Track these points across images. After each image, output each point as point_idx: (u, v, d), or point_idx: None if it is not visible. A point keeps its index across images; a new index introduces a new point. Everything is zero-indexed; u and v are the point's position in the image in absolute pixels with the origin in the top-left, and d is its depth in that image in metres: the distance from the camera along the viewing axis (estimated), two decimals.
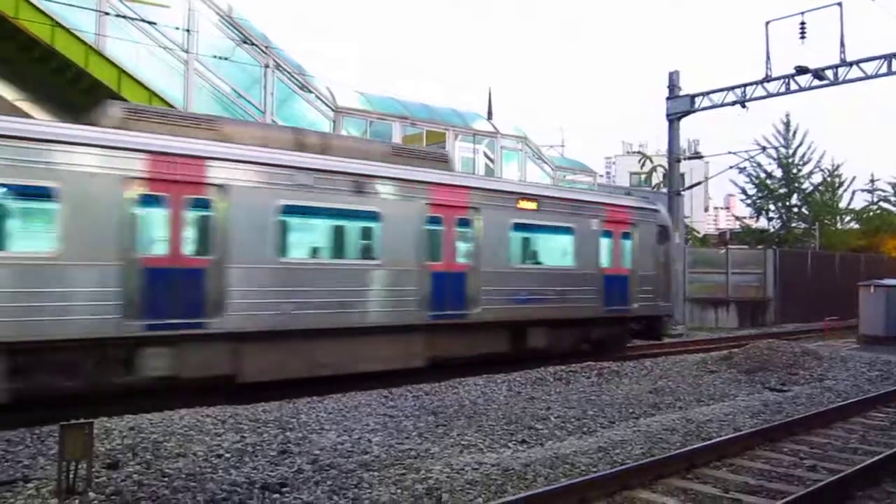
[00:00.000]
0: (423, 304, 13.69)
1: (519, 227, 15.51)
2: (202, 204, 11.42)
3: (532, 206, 15.71)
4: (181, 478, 6.93)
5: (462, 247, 14.60)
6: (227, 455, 7.81)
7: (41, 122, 10.16)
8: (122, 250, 10.53)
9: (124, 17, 17.80)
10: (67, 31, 17.59)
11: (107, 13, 18.03)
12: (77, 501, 6.16)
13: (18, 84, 19.18)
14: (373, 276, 13.18)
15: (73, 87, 18.78)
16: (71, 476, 6.33)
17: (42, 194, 10.02)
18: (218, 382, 11.47)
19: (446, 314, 14.00)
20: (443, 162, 15.33)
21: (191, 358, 11.16)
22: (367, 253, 13.36)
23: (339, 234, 13.32)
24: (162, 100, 18.84)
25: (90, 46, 18.00)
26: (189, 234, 11.43)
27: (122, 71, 18.35)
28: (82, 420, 6.65)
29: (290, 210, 12.26)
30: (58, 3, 16.69)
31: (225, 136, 12.09)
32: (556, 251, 16.74)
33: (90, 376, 10.29)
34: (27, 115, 17.62)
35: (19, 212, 10.22)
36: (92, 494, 6.31)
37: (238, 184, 11.65)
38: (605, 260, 17.16)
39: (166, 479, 6.89)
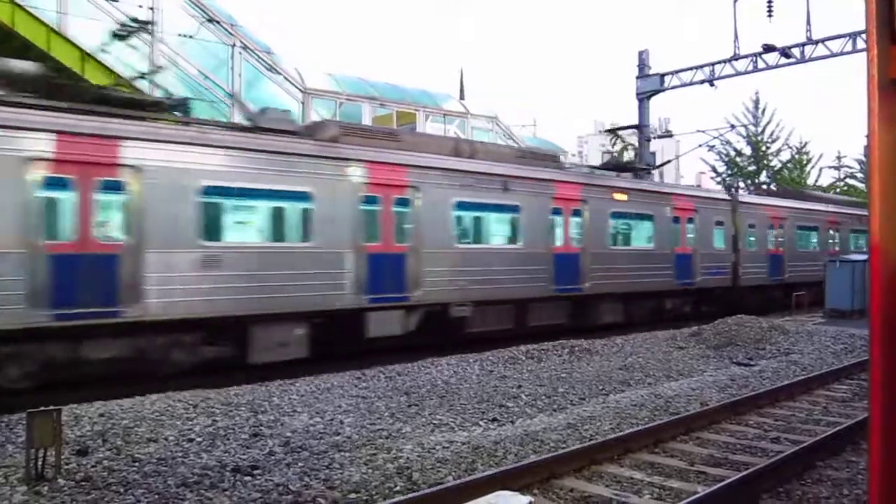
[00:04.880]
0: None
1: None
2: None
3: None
4: (152, 462, 6.93)
5: None
6: (199, 439, 7.82)
7: None
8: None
9: None
10: (28, 12, 17.23)
11: None
12: (46, 488, 6.13)
13: None
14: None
15: None
16: (40, 463, 6.31)
17: None
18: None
19: None
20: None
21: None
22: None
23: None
24: (127, 82, 18.53)
25: (51, 28, 17.65)
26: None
27: (84, 52, 18.03)
28: (51, 407, 6.61)
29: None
30: None
31: None
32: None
33: None
34: None
35: None
36: (61, 481, 6.29)
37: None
38: None
39: (137, 464, 6.89)
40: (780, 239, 25.56)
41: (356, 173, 13.59)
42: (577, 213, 17.62)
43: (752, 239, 24.18)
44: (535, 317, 16.67)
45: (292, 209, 12.91)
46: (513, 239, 16.47)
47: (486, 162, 16.09)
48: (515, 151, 19.59)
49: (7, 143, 9.85)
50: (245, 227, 12.70)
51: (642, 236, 20.15)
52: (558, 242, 17.27)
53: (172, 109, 12.93)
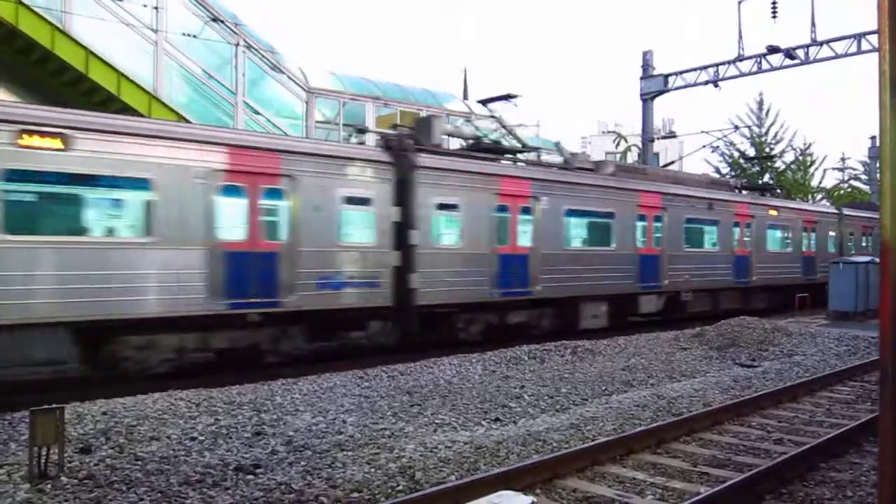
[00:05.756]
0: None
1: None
2: None
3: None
4: (154, 461, 6.93)
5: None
6: (201, 438, 7.81)
7: None
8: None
9: None
10: (32, 10, 17.21)
11: None
12: (49, 486, 6.14)
13: None
14: None
15: (40, 68, 18.45)
16: (43, 461, 6.31)
17: None
18: None
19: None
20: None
21: None
22: None
23: None
24: (131, 81, 18.55)
25: (56, 27, 17.64)
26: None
27: (89, 52, 18.02)
28: (53, 405, 6.62)
29: None
30: None
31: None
32: None
33: None
34: None
35: None
36: (64, 479, 6.29)
37: None
38: None
39: (139, 462, 6.89)
40: (869, 244, 32.14)
41: (634, 199, 19.33)
42: (748, 225, 23.73)
43: (850, 244, 30.52)
44: (723, 301, 22.46)
45: (604, 224, 18.65)
46: (714, 244, 22.40)
47: (700, 189, 22.62)
48: (708, 179, 26.37)
49: (490, 185, 15.72)
50: (582, 237, 18.34)
51: (784, 242, 26.08)
52: (737, 246, 23.10)
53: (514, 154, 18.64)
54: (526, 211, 16.46)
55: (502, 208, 15.95)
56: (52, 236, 10.26)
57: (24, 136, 9.86)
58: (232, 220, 11.99)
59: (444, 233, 15.14)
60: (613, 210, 18.58)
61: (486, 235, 15.50)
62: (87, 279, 10.31)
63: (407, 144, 14.83)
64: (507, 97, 20.13)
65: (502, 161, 17.37)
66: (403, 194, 14.20)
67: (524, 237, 16.42)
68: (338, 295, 13.11)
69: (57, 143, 10.14)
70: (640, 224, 19.51)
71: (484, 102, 21.11)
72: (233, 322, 11.94)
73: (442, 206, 14.85)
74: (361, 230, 13.81)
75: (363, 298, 13.50)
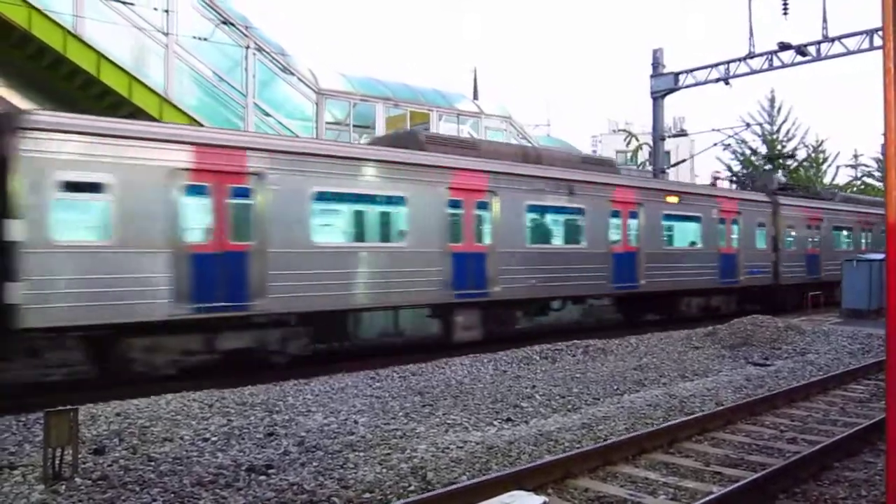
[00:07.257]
0: None
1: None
2: None
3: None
4: (168, 462, 6.97)
5: None
6: (214, 438, 7.85)
7: None
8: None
9: None
10: (44, 14, 17.31)
11: None
12: (64, 487, 6.18)
13: None
14: None
15: (52, 72, 18.56)
16: (57, 462, 6.36)
17: None
18: None
19: None
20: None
21: None
22: None
23: None
24: (143, 84, 18.64)
25: (68, 31, 17.74)
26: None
27: (101, 55, 18.11)
28: (67, 406, 6.67)
29: None
30: None
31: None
32: None
33: None
34: (6, 102, 17.42)
35: None
36: (78, 480, 6.34)
37: None
38: None
39: (153, 463, 6.93)
40: None
41: (854, 217, 29.62)
42: None
43: None
44: None
45: (847, 234, 29.08)
46: (867, 248, 30.69)
47: (869, 206, 31.33)
48: (867, 199, 35.26)
49: (809, 214, 26.36)
50: (844, 243, 29.22)
51: None
52: None
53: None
54: (816, 227, 26.50)
55: (810, 227, 26.05)
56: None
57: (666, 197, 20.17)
58: (681, 235, 20.77)
59: (789, 243, 24.54)
60: (852, 226, 29.44)
61: (812, 245, 26.11)
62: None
63: (770, 190, 25.18)
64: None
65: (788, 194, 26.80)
66: (773, 220, 23.87)
67: (812, 245, 26.14)
68: (756, 277, 22.90)
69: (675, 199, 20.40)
70: (862, 234, 29.96)
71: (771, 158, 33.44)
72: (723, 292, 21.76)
73: (788, 227, 24.41)
74: (762, 240, 23.52)
75: (764, 280, 23.41)
